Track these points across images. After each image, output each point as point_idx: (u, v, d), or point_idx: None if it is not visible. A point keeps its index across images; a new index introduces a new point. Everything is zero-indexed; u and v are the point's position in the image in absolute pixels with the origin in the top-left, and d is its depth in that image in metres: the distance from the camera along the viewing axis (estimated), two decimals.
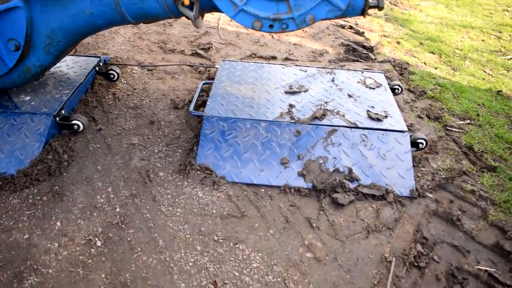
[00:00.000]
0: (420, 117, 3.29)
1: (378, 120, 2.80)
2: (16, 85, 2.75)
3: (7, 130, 2.62)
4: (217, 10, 2.29)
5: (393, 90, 3.31)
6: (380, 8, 2.31)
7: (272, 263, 2.09)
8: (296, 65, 3.52)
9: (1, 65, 2.52)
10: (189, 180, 2.50)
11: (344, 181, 2.48)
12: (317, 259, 2.12)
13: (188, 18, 2.31)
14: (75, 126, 2.73)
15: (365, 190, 2.46)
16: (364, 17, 2.35)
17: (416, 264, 2.12)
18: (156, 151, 2.73)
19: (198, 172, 2.53)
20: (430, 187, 2.58)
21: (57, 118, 2.70)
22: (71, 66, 3.24)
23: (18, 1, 2.31)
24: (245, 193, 2.46)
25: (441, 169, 2.73)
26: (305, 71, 3.34)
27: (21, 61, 2.54)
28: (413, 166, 2.62)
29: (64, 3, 2.39)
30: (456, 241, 2.26)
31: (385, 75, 3.48)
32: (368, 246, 2.20)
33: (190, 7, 2.26)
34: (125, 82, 3.44)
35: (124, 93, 3.29)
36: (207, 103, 2.88)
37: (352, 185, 2.49)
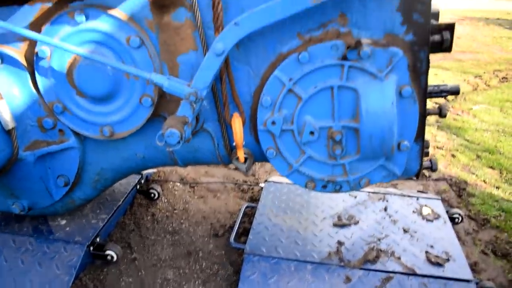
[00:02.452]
0: (485, 253, 2.94)
1: (439, 265, 2.49)
2: (57, 214, 2.71)
3: (39, 258, 2.52)
4: (268, 161, 2.26)
5: (452, 219, 3.02)
6: (433, 170, 2.30)
7: None
8: None
9: (47, 197, 2.49)
10: None
11: None
12: None
13: (239, 169, 2.31)
14: (109, 257, 2.59)
15: None
16: (417, 179, 2.28)
17: None
18: None
19: None
20: None
21: (91, 248, 2.57)
22: None
23: (73, 142, 2.31)
24: None
25: None
26: (355, 197, 3.12)
27: (66, 195, 2.51)
28: None
29: (117, 145, 2.37)
30: None
31: (442, 200, 3.20)
32: None
33: (244, 162, 2.25)
34: (165, 200, 3.32)
35: (163, 215, 3.16)
36: (249, 236, 2.69)
37: None
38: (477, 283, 2.40)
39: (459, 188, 3.73)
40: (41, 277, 2.43)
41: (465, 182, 3.85)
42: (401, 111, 1.98)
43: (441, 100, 5.84)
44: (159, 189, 3.24)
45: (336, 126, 2.05)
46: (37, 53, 2.05)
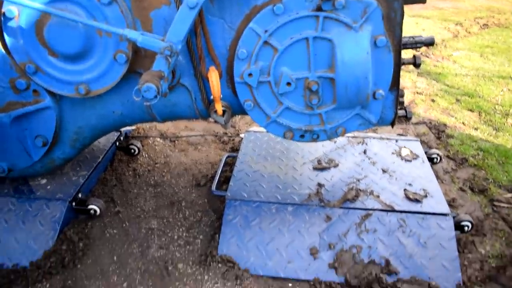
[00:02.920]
0: (463, 190, 3.01)
1: (417, 201, 2.55)
2: (37, 175, 2.70)
3: (22, 217, 2.51)
4: (246, 113, 2.29)
5: (431, 159, 3.07)
6: (408, 118, 2.37)
7: None
8: None
9: (26, 158, 2.48)
10: (210, 274, 2.30)
11: (381, 275, 2.22)
12: None
13: (217, 122, 2.31)
14: (92, 211, 2.60)
15: (405, 286, 2.19)
16: (392, 127, 2.36)
17: None
18: (175, 237, 2.55)
19: (220, 265, 2.33)
20: (479, 279, 2.29)
21: (73, 203, 2.58)
22: None
23: (49, 101, 2.29)
24: None
25: (491, 256, 2.44)
26: (335, 142, 3.14)
27: (46, 155, 2.50)
28: (458, 252, 2.35)
29: (93, 103, 2.36)
30: None
31: (421, 141, 3.25)
32: None
33: (222, 115, 2.25)
34: (146, 155, 3.32)
35: (145, 169, 3.16)
36: (230, 183, 2.71)
37: (390, 280, 2.23)
38: (454, 217, 2.46)
39: (438, 131, 3.78)
40: (26, 234, 2.44)
41: (444, 125, 3.90)
42: (376, 61, 2.02)
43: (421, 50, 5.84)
44: (139, 144, 3.23)
45: (312, 76, 2.07)
46: (4, 13, 1.99)
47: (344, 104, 2.12)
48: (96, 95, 2.22)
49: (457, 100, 4.46)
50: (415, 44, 2.21)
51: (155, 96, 1.82)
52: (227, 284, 2.25)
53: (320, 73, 2.06)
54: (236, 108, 2.32)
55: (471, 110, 4.26)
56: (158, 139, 3.54)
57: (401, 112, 2.33)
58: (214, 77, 2.10)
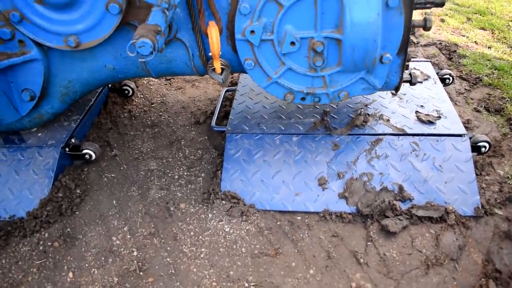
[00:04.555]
0: (478, 111, 2.83)
1: (430, 123, 2.39)
2: (25, 129, 2.57)
3: (15, 167, 2.41)
4: (246, 72, 2.19)
5: (443, 80, 2.87)
6: (413, 83, 2.34)
7: None
8: None
9: (13, 112, 2.36)
10: (214, 212, 2.19)
11: (395, 202, 2.10)
12: None
13: (215, 80, 2.23)
14: (87, 156, 2.47)
15: (420, 212, 2.07)
16: (396, 93, 2.32)
17: None
18: (176, 177, 2.43)
19: (224, 201, 2.22)
20: (498, 201, 2.16)
21: (67, 149, 2.45)
22: None
23: (36, 53, 2.15)
24: (278, 223, 2.13)
25: (510, 177, 2.30)
26: None
27: (34, 109, 2.38)
28: (476, 175, 2.21)
29: (84, 56, 2.22)
30: None
31: (432, 63, 3.04)
32: (428, 286, 1.83)
33: (220, 73, 2.13)
34: (141, 96, 3.15)
35: (140, 110, 3.00)
36: (230, 117, 2.56)
37: (404, 207, 2.11)
38: (470, 138, 2.31)
39: (450, 51, 3.55)
40: (20, 184, 2.34)
41: (456, 45, 3.66)
42: (386, 23, 1.88)
43: None
44: (132, 85, 3.05)
45: (318, 36, 1.94)
46: None
47: (349, 67, 2.00)
48: (87, 48, 2.08)
49: (468, 19, 4.18)
50: (425, 4, 2.03)
51: (151, 53, 1.70)
52: (232, 221, 2.14)
53: (326, 33, 1.92)
54: (235, 67, 2.21)
55: (483, 29, 4.00)
56: (153, 78, 3.35)
57: (406, 77, 2.27)
58: (214, 33, 1.96)
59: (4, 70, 2.19)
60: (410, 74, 2.33)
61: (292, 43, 1.96)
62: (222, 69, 2.13)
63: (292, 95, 2.16)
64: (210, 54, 2.07)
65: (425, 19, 2.04)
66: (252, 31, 1.94)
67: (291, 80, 2.11)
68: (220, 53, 2.04)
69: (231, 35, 2.07)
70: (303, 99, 2.17)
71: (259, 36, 1.96)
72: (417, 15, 4.24)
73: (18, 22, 2.00)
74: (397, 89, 2.25)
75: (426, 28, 2.06)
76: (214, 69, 2.10)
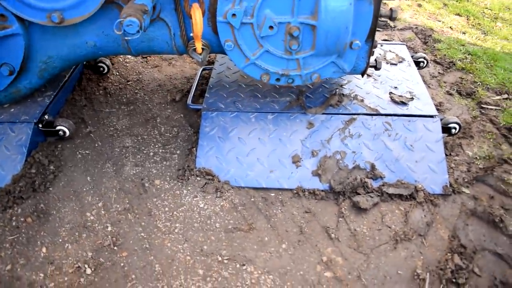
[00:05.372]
0: (450, 94, 2.89)
1: (403, 103, 2.44)
2: (1, 104, 2.52)
3: None
4: (224, 53, 2.30)
5: (417, 63, 2.92)
6: (377, 68, 2.48)
7: (285, 287, 1.80)
8: None
9: None
10: (189, 188, 2.21)
11: (366, 180, 2.15)
12: (338, 279, 1.82)
13: (194, 59, 2.32)
14: (60, 133, 2.44)
15: (390, 190, 2.12)
16: (362, 77, 2.48)
17: (454, 280, 1.80)
18: (151, 154, 2.43)
19: (198, 178, 2.23)
20: (466, 180, 2.23)
21: (40, 125, 2.42)
22: None
23: (17, 28, 2.12)
24: (252, 199, 2.15)
25: (478, 157, 2.37)
26: None
27: (11, 84, 2.36)
28: (445, 155, 2.27)
29: (66, 32, 2.22)
30: (499, 248, 1.92)
31: (407, 46, 3.08)
32: (397, 260, 1.89)
33: (200, 53, 2.21)
34: (117, 73, 3.11)
35: (116, 87, 2.97)
36: (206, 94, 2.56)
37: (375, 184, 2.16)
38: (441, 119, 2.36)
39: (425, 36, 3.60)
40: None
41: (431, 30, 3.71)
42: (357, 12, 2.00)
43: None
44: (108, 62, 3.02)
45: (294, 22, 2.04)
46: None
47: (321, 51, 2.11)
48: (70, 25, 2.07)
49: (445, 5, 4.24)
50: None
51: (137, 31, 1.74)
52: (207, 197, 2.16)
53: (302, 19, 2.02)
54: (215, 47, 2.28)
55: (459, 15, 4.06)
56: (129, 56, 3.31)
57: (371, 63, 2.41)
58: (197, 15, 2.01)
59: None
60: (375, 60, 2.45)
61: (271, 27, 2.04)
62: (202, 49, 2.18)
63: (268, 76, 2.23)
64: (191, 34, 2.13)
65: (391, 10, 2.16)
66: (234, 14, 2.01)
67: (267, 61, 2.18)
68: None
69: (212, 17, 2.13)
70: (278, 80, 2.25)
71: (240, 19, 2.03)
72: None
73: None
74: (363, 73, 2.36)
75: (392, 18, 2.18)
76: (195, 49, 2.16)
